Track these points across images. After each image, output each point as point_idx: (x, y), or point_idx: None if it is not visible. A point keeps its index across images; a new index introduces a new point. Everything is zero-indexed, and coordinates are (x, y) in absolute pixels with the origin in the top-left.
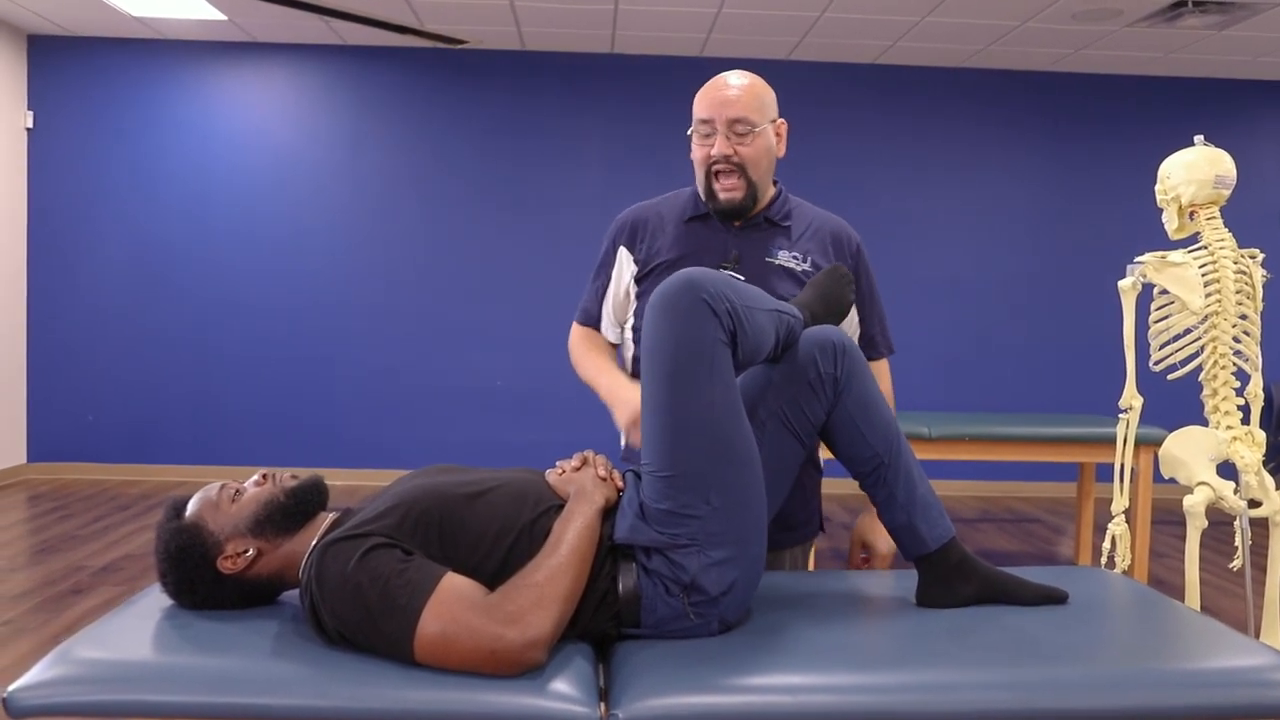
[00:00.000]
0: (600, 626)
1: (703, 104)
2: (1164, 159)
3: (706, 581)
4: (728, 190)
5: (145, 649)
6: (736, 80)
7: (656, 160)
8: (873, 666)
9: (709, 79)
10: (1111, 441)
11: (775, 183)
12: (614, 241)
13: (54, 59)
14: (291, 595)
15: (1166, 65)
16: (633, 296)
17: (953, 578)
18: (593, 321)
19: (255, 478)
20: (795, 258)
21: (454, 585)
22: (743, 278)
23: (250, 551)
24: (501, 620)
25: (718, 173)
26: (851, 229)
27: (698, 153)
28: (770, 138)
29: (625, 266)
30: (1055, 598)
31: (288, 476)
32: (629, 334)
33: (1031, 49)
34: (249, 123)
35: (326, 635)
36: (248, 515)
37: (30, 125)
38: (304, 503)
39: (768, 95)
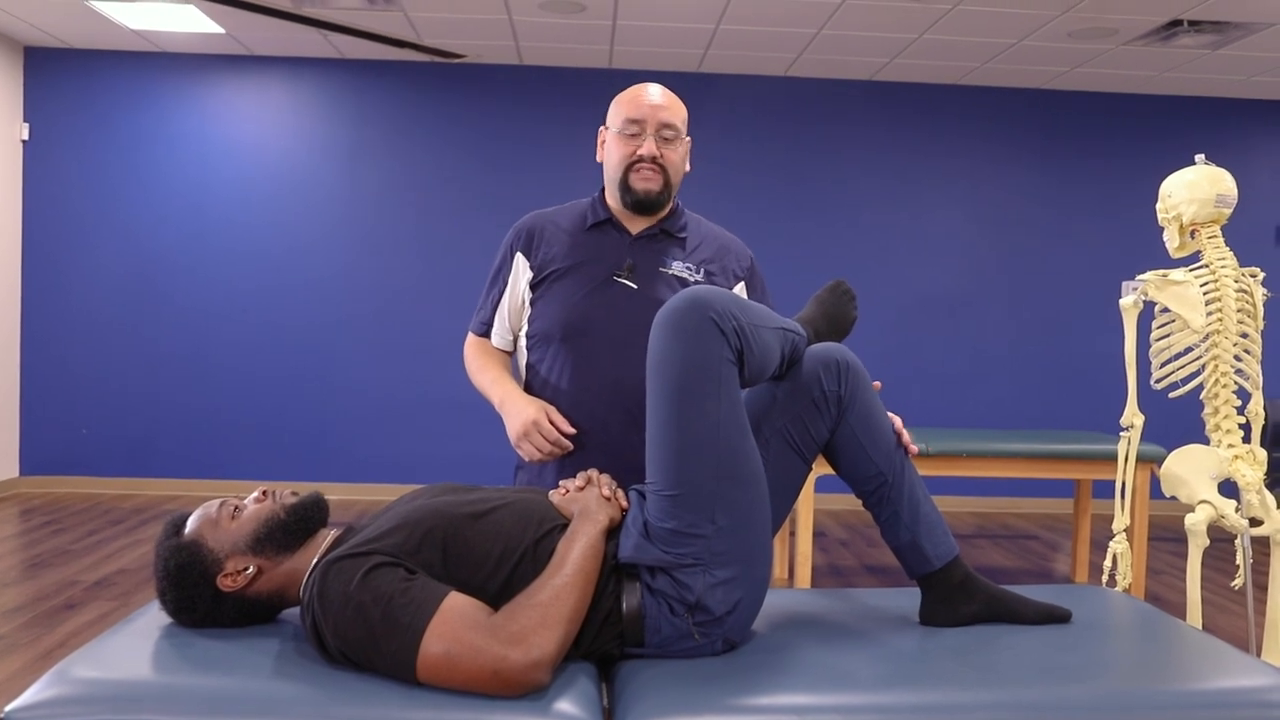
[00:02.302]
0: (604, 646)
1: (632, 106)
2: (1159, 177)
3: (711, 601)
4: (645, 180)
5: (144, 668)
6: (662, 90)
7: None
8: (877, 686)
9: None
10: (1108, 459)
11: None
12: (511, 248)
13: (51, 71)
14: (292, 614)
15: (1162, 84)
16: (527, 303)
17: (956, 596)
18: (488, 331)
19: (255, 494)
20: (689, 269)
21: (458, 605)
22: (636, 285)
23: (250, 569)
24: (505, 640)
25: (638, 168)
26: (744, 245)
27: (621, 150)
28: (686, 148)
29: (521, 273)
30: (1058, 616)
31: (288, 493)
32: (524, 341)
33: (1027, 67)
34: (246, 136)
35: (328, 654)
36: (248, 533)
37: (26, 137)
38: (305, 520)
39: (684, 110)
